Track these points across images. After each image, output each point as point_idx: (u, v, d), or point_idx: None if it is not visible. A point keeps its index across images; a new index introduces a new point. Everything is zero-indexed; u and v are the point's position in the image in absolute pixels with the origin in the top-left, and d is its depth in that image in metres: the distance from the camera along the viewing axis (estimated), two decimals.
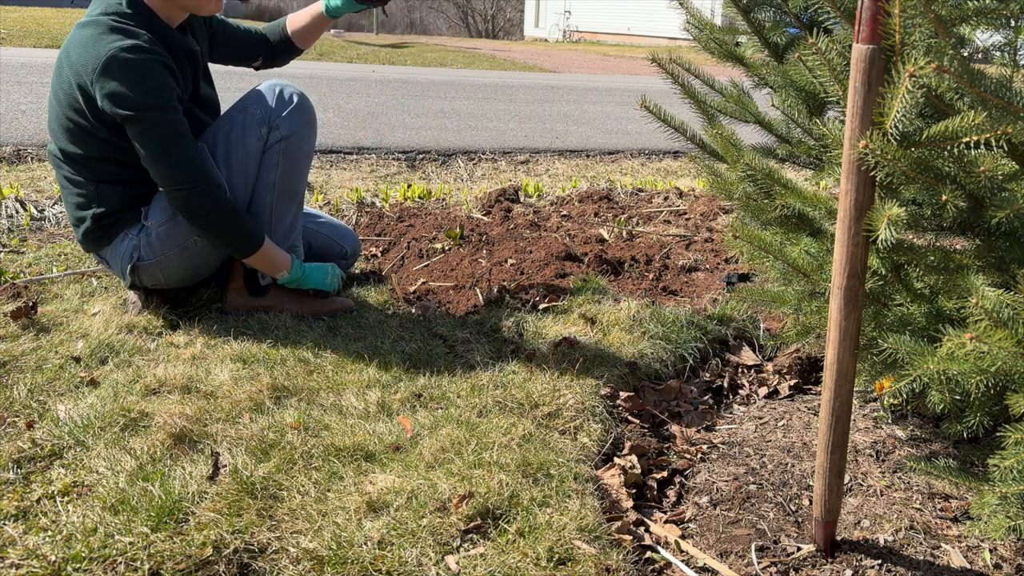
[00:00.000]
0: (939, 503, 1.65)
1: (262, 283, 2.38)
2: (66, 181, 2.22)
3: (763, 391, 2.21)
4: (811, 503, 1.63)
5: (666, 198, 4.13)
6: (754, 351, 2.38)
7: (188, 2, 2.18)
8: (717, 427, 2.00)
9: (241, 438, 1.69)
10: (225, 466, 1.60)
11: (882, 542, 1.51)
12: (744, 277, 2.80)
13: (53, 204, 3.45)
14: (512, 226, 3.40)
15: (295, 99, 2.27)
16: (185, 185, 2.09)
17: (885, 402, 1.98)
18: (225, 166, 2.22)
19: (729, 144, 1.77)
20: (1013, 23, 1.36)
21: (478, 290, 2.65)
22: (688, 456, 1.84)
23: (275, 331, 2.26)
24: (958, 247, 1.67)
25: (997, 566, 1.46)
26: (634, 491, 1.68)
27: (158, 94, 2.04)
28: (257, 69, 2.64)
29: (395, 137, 5.57)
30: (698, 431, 1.97)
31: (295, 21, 2.59)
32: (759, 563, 1.45)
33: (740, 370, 2.31)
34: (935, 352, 1.29)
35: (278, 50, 2.60)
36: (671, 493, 1.71)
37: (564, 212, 3.74)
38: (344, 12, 2.50)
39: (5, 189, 3.49)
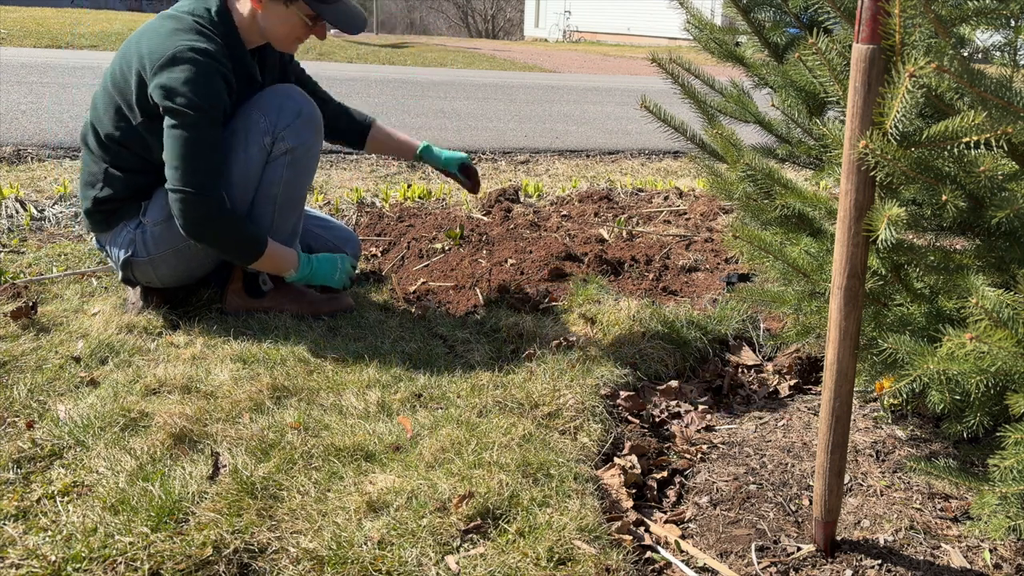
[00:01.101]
0: (939, 503, 1.65)
1: (264, 288, 2.37)
2: (86, 157, 2.26)
3: (763, 391, 2.21)
4: (811, 503, 1.63)
5: (666, 198, 4.13)
6: (754, 351, 2.38)
7: (271, 36, 2.23)
8: (717, 427, 2.00)
9: (241, 438, 1.69)
10: (225, 466, 1.60)
11: (882, 542, 1.51)
12: (744, 277, 2.80)
13: (53, 204, 3.45)
14: (512, 226, 3.40)
15: (303, 110, 2.23)
16: (193, 189, 2.06)
17: (885, 402, 1.98)
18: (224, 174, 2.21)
19: (729, 144, 1.77)
20: (1013, 23, 1.36)
21: (478, 290, 2.65)
22: (688, 456, 1.84)
23: (275, 331, 2.26)
24: (958, 247, 1.67)
25: (997, 566, 1.46)
26: (634, 491, 1.68)
27: (209, 100, 2.06)
28: None
29: None
30: (698, 431, 1.97)
31: (384, 131, 2.68)
32: (759, 563, 1.45)
33: (740, 370, 2.31)
34: (935, 352, 1.29)
35: (341, 132, 2.65)
36: (671, 493, 1.71)
37: (564, 212, 3.74)
38: (432, 165, 2.65)
39: (5, 189, 3.49)
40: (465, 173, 2.72)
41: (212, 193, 2.09)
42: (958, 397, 1.36)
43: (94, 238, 2.39)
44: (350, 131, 2.66)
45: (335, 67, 10.35)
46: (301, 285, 2.45)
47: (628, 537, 1.50)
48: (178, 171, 2.06)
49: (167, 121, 2.06)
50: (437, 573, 1.34)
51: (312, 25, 2.20)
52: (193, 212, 2.09)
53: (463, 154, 2.73)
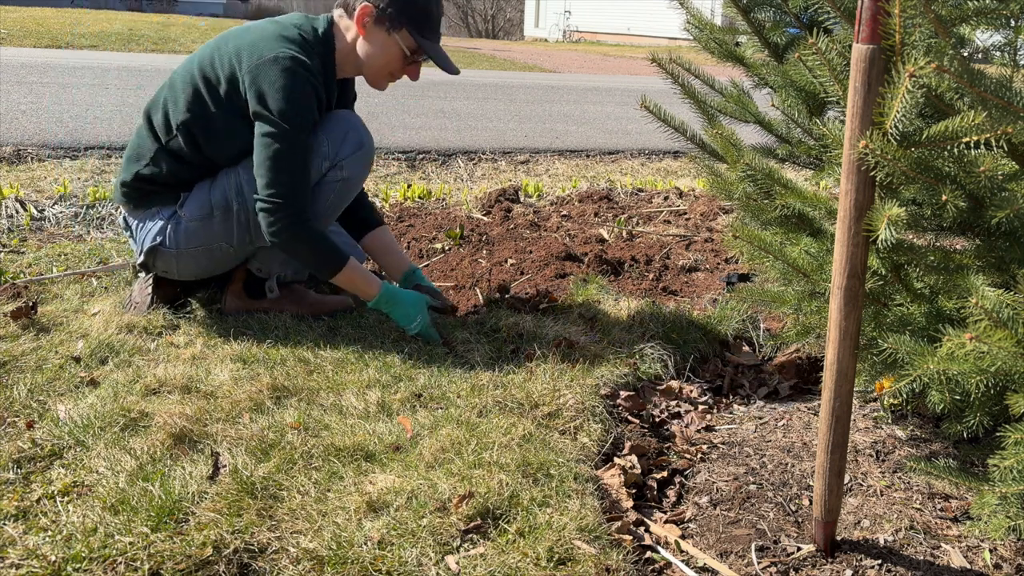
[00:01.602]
0: (939, 503, 1.65)
1: (269, 296, 2.37)
2: (142, 131, 2.25)
3: (763, 391, 2.21)
4: (811, 503, 1.63)
5: (666, 198, 4.13)
6: (754, 351, 2.38)
7: (366, 66, 2.25)
8: (717, 427, 2.00)
9: (241, 438, 1.69)
10: (225, 466, 1.60)
11: (882, 542, 1.51)
12: (744, 277, 2.80)
13: (53, 204, 3.45)
14: (512, 226, 3.40)
15: (364, 143, 2.27)
16: (282, 200, 2.09)
17: (885, 402, 1.98)
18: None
19: (729, 144, 1.77)
20: (1013, 23, 1.36)
21: (478, 290, 2.65)
22: (688, 456, 1.84)
23: (275, 331, 2.26)
24: (958, 247, 1.67)
25: (997, 566, 1.46)
26: (634, 491, 1.68)
27: (302, 113, 2.09)
28: None
29: (395, 137, 5.57)
30: (698, 431, 1.97)
31: (387, 240, 2.55)
32: (759, 563, 1.45)
33: (740, 370, 2.31)
34: (935, 352, 1.29)
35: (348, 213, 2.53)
36: (671, 493, 1.71)
37: (564, 212, 3.74)
38: (414, 285, 2.45)
39: (5, 189, 3.49)
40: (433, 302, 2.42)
41: (299, 204, 2.12)
42: (958, 397, 1.36)
43: (121, 216, 2.36)
44: (356, 218, 2.54)
45: None
46: (300, 286, 2.46)
47: (628, 537, 1.50)
48: (267, 181, 2.09)
49: (259, 128, 2.08)
50: (437, 573, 1.34)
51: (409, 59, 2.23)
52: (280, 222, 2.10)
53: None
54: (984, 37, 1.49)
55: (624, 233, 3.38)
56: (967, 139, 1.15)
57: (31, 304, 2.26)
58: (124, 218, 2.34)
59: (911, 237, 1.65)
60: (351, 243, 2.58)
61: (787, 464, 1.78)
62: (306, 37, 2.16)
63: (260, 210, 2.10)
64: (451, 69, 2.24)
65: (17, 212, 3.28)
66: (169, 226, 2.22)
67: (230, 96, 2.12)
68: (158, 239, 2.23)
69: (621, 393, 2.02)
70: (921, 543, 1.51)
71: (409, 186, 4.15)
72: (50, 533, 1.40)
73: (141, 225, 2.27)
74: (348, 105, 2.48)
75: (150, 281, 2.36)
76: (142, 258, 2.28)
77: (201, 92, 2.14)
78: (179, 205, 2.23)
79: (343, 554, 1.36)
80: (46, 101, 5.97)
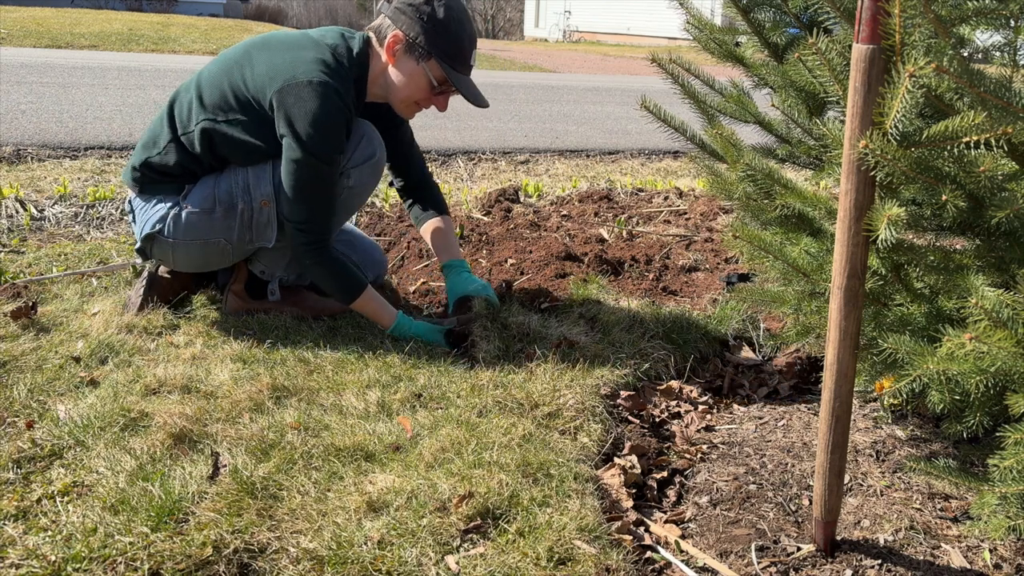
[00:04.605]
0: (939, 503, 1.65)
1: (271, 299, 2.38)
2: (164, 120, 2.24)
3: (763, 391, 2.21)
4: (811, 503, 1.63)
5: (666, 198, 4.13)
6: (754, 351, 2.38)
7: (393, 94, 2.23)
8: (717, 427, 2.00)
9: (241, 438, 1.69)
10: (225, 466, 1.60)
11: (882, 542, 1.51)
12: (744, 277, 2.80)
13: (53, 204, 3.45)
14: (512, 226, 3.40)
15: (376, 155, 2.26)
16: (304, 225, 2.14)
17: (885, 402, 1.98)
18: (277, 186, 2.19)
19: (729, 144, 1.77)
20: (1013, 23, 1.36)
21: None
22: (688, 456, 1.84)
23: (275, 331, 2.26)
24: (958, 247, 1.67)
25: (997, 566, 1.46)
26: (634, 491, 1.68)
27: (330, 141, 2.08)
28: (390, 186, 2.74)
29: None
30: (698, 431, 1.97)
31: (443, 229, 2.57)
32: (759, 563, 1.45)
33: (740, 370, 2.31)
34: (935, 352, 1.29)
35: (415, 200, 2.61)
36: (671, 493, 1.71)
37: (564, 212, 3.74)
38: (447, 285, 2.49)
39: (5, 189, 3.50)
40: (461, 307, 2.41)
41: (320, 232, 2.16)
42: (958, 397, 1.35)
43: (128, 199, 2.35)
44: (422, 206, 2.60)
45: None
46: (302, 288, 2.46)
47: (628, 537, 1.50)
48: (293, 208, 2.13)
49: (286, 151, 2.08)
50: (437, 573, 1.34)
51: (436, 89, 2.20)
52: (303, 247, 2.17)
53: (480, 285, 2.45)
54: (984, 37, 1.49)
55: (624, 233, 3.38)
56: (967, 139, 1.15)
57: (31, 304, 2.26)
58: (129, 201, 2.34)
59: (911, 237, 1.65)
60: (374, 259, 2.60)
61: (787, 464, 1.78)
62: (341, 61, 2.13)
63: (290, 231, 2.17)
64: (480, 102, 2.20)
65: (17, 212, 3.29)
66: (170, 215, 2.22)
67: (255, 109, 2.11)
68: (158, 227, 2.23)
69: (621, 393, 2.02)
70: (921, 543, 1.51)
71: None
72: (50, 533, 1.40)
73: (144, 209, 2.27)
74: (393, 126, 2.46)
75: (144, 281, 2.36)
76: (140, 243, 2.29)
77: (228, 98, 2.13)
78: (183, 196, 2.23)
79: (343, 554, 1.36)
80: (46, 101, 5.97)
